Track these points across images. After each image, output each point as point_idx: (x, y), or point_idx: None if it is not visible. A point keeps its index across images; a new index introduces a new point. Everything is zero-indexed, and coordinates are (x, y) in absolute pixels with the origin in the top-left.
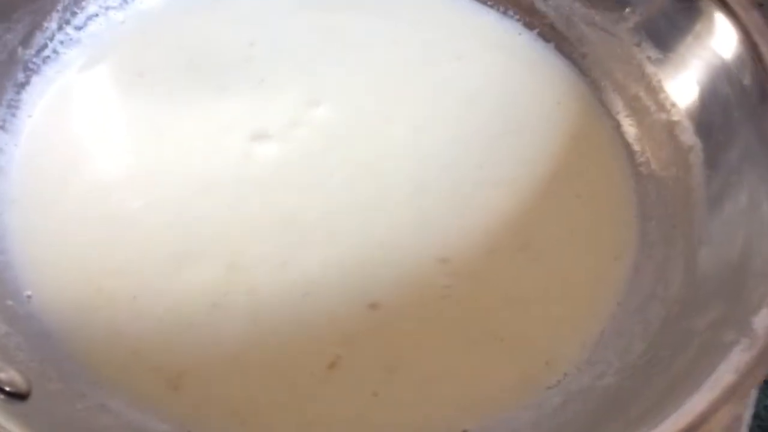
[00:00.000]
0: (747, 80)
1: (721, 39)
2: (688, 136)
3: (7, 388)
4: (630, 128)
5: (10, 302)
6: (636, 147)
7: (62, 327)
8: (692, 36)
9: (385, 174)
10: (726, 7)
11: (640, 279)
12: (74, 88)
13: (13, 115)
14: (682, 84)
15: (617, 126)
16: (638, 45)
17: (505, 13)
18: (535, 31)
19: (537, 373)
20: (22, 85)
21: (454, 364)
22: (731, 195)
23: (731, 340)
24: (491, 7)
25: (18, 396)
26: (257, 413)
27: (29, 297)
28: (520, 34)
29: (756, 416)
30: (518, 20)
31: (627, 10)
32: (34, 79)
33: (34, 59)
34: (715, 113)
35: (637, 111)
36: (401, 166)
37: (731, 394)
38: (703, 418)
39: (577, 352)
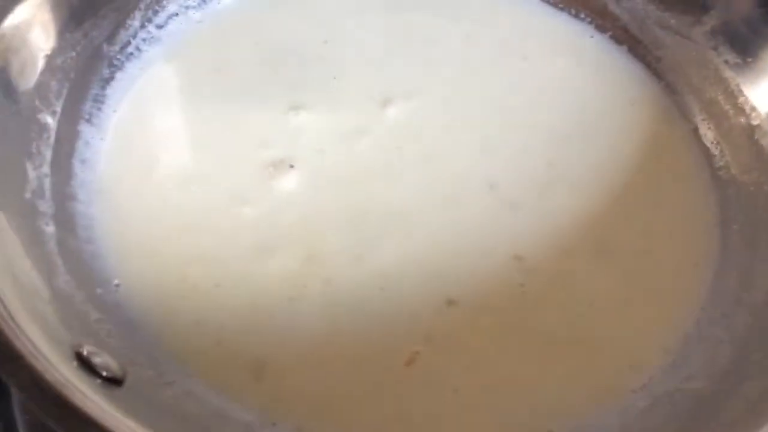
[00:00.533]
0: None
1: None
2: None
3: (104, 373)
4: (708, 132)
5: (99, 290)
6: (714, 151)
7: (149, 315)
8: None
9: (457, 171)
10: None
11: (723, 285)
12: (155, 84)
13: (99, 109)
14: (763, 88)
15: (695, 129)
16: (715, 49)
17: (576, 15)
18: (608, 33)
19: (620, 377)
20: (107, 81)
21: (533, 363)
22: None
23: None
24: (562, 9)
25: (114, 381)
26: (336, 407)
27: (117, 286)
28: (591, 36)
29: None
30: (590, 23)
31: (704, 15)
32: (118, 75)
33: (118, 56)
34: None
35: (715, 115)
36: (472, 163)
37: None
38: None
39: (660, 357)
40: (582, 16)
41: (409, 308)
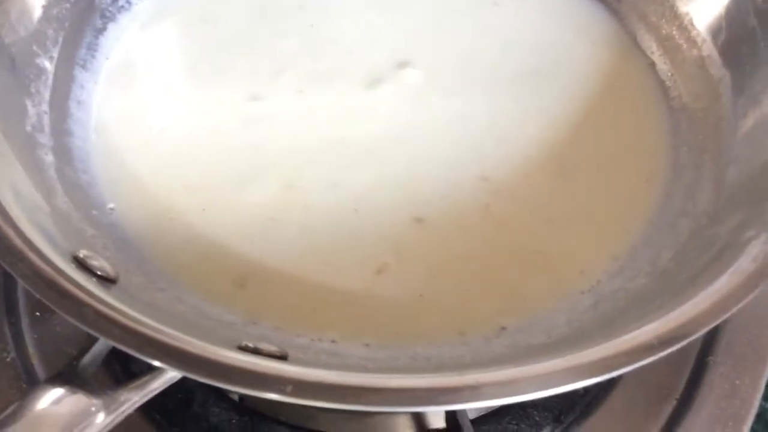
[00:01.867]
0: None
1: None
2: (718, 68)
3: (99, 273)
4: (664, 66)
5: (95, 212)
6: (669, 83)
7: (142, 234)
8: None
9: (429, 102)
10: None
11: (671, 199)
12: (146, 34)
13: (93, 56)
14: (713, 20)
15: (651, 64)
16: None
17: None
18: None
19: (571, 281)
20: (100, 31)
21: (493, 272)
22: (757, 116)
23: (750, 236)
24: None
25: (108, 280)
26: (311, 309)
27: (112, 209)
28: None
29: None
30: None
31: None
32: (110, 26)
33: (110, 8)
34: (742, 44)
35: (670, 49)
36: (444, 95)
37: (749, 280)
38: (725, 305)
39: (609, 263)
40: None
41: (381, 226)
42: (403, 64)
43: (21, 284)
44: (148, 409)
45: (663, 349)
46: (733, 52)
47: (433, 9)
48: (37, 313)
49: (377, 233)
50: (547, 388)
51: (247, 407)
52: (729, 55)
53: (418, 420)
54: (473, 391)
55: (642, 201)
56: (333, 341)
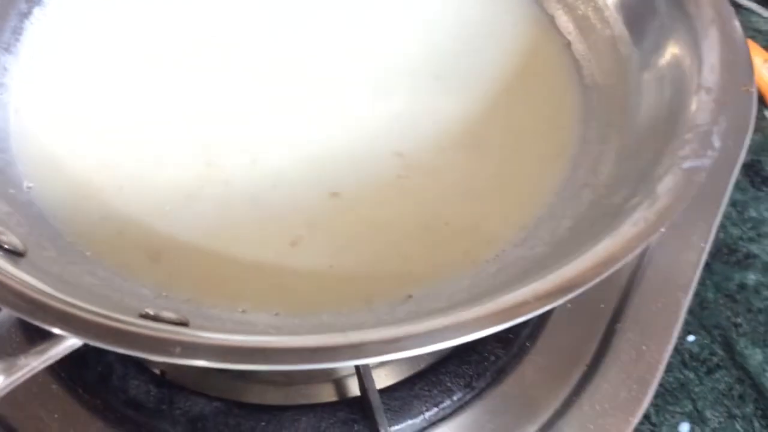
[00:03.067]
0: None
1: None
2: (627, 47)
3: (6, 246)
4: (579, 46)
5: (12, 191)
6: (583, 62)
7: (57, 212)
8: None
9: (347, 79)
10: None
11: (577, 172)
12: (68, 17)
13: (17, 40)
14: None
15: (568, 44)
16: None
17: None
18: None
19: (478, 251)
20: (25, 15)
21: (403, 243)
22: (658, 91)
23: (635, 203)
24: None
25: (16, 253)
26: (225, 281)
27: (29, 188)
28: None
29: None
30: None
31: None
32: (35, 10)
33: None
34: (648, 23)
35: (585, 29)
36: (363, 72)
37: (632, 244)
38: (605, 265)
39: (515, 233)
40: None
41: (297, 200)
42: (322, 48)
43: None
44: (70, 382)
45: (540, 306)
46: (641, 31)
47: None
48: None
49: (293, 207)
50: (423, 345)
51: (168, 381)
52: (637, 33)
53: (338, 388)
54: (356, 349)
55: (551, 174)
56: (243, 311)
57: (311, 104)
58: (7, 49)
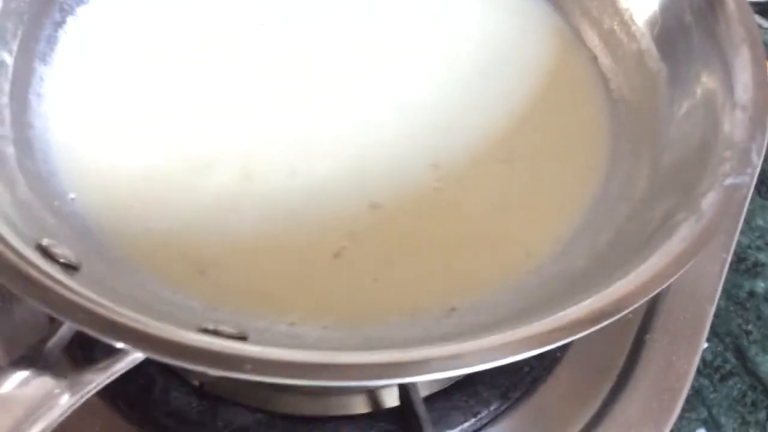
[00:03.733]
0: (710, 17)
1: None
2: (655, 62)
3: (62, 260)
4: (605, 60)
5: (57, 203)
6: (610, 75)
7: (102, 223)
8: None
9: (383, 93)
10: None
11: (610, 185)
12: (104, 27)
13: (52, 49)
14: (651, 15)
15: (594, 58)
16: None
17: None
18: None
19: (518, 263)
20: (59, 24)
21: (444, 256)
22: (691, 110)
23: (680, 219)
24: None
25: (71, 267)
26: (272, 293)
27: (73, 199)
28: None
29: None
30: None
31: None
32: (69, 19)
33: (69, 1)
34: (679, 41)
35: (611, 43)
36: (397, 86)
37: (679, 259)
38: (657, 282)
39: (553, 245)
40: None
41: (338, 212)
42: (359, 60)
43: None
44: (111, 396)
45: (595, 324)
46: (670, 47)
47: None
48: None
49: (335, 219)
50: (484, 363)
51: (207, 392)
52: (666, 49)
53: (374, 399)
54: (420, 365)
55: (584, 186)
56: (291, 324)
57: (349, 116)
58: (43, 59)
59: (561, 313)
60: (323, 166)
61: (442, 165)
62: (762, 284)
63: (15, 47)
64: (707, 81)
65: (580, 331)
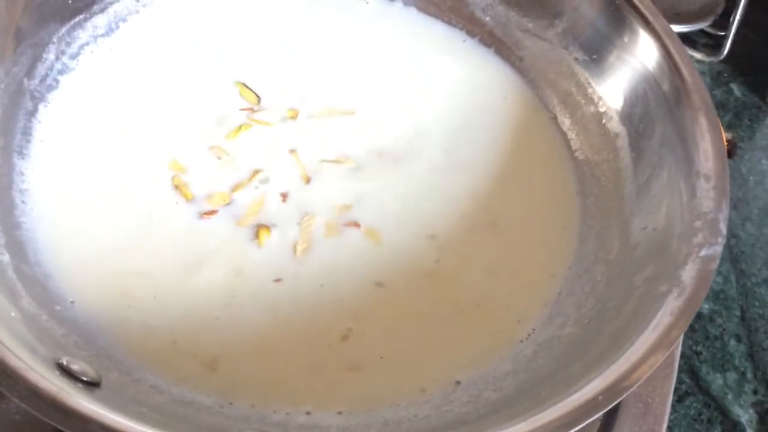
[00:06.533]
0: (665, 85)
1: (640, 49)
2: (614, 124)
3: (84, 378)
4: (565, 119)
5: (58, 307)
6: (571, 135)
7: (104, 325)
8: (615, 44)
9: (372, 166)
10: (645, 21)
11: (585, 246)
12: (74, 113)
13: (28, 141)
14: (607, 81)
15: (554, 118)
16: (566, 48)
17: (449, 22)
18: (477, 38)
19: (511, 331)
20: (32, 113)
21: (443, 329)
22: (654, 174)
23: (664, 291)
24: (437, 17)
25: (93, 384)
26: (285, 382)
27: (72, 302)
28: (464, 40)
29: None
30: (461, 29)
31: (556, 19)
32: (41, 107)
33: (39, 88)
34: (636, 106)
35: (569, 104)
36: (381, 157)
37: (669, 333)
38: (650, 354)
39: (540, 310)
40: (454, 23)
41: (345, 294)
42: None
43: None
44: None
45: (608, 404)
46: (628, 111)
47: (349, 67)
48: None
49: (341, 301)
50: None
51: None
52: (623, 113)
53: None
54: None
55: (561, 248)
56: (308, 413)
57: (345, 193)
58: (20, 152)
59: (573, 396)
60: (327, 251)
61: (439, 235)
62: (706, 306)
63: None
64: (668, 146)
65: (595, 413)
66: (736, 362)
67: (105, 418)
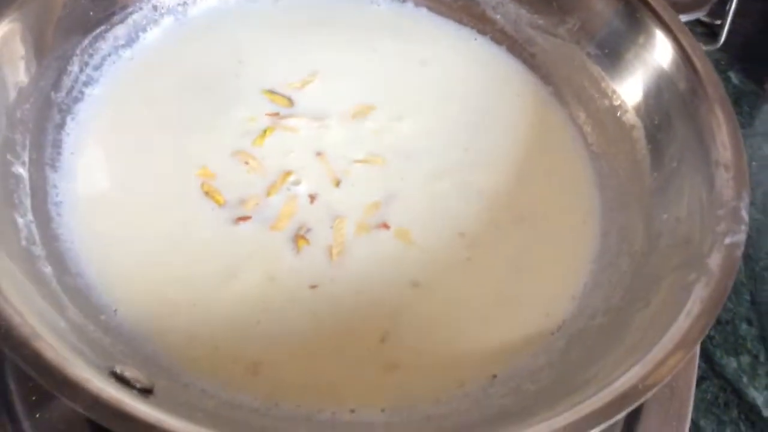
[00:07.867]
0: (679, 77)
1: (653, 42)
2: (630, 116)
3: (138, 385)
4: (580, 114)
5: (103, 317)
6: (586, 128)
7: (148, 333)
8: (627, 38)
9: (391, 165)
10: (655, 14)
11: (608, 239)
12: (102, 123)
13: (59, 153)
14: (620, 74)
15: (569, 112)
16: (578, 43)
17: (460, 22)
18: (488, 36)
19: (541, 324)
20: (60, 126)
21: (479, 324)
22: (672, 164)
23: (692, 279)
24: (448, 17)
25: (146, 391)
26: (328, 384)
27: (116, 311)
28: (475, 39)
29: None
30: (472, 27)
31: (567, 15)
32: (68, 119)
33: (66, 100)
34: (650, 98)
35: (583, 99)
36: (400, 158)
37: (701, 320)
38: (685, 340)
39: (569, 303)
40: (465, 22)
41: (381, 296)
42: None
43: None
44: None
45: (649, 390)
46: (643, 103)
47: (365, 69)
48: (37, 415)
49: (377, 303)
50: None
51: None
52: (638, 106)
53: None
54: None
55: (584, 241)
56: (352, 411)
57: (377, 193)
58: (53, 165)
59: (614, 385)
60: (364, 252)
61: (468, 233)
62: None
63: (26, 158)
64: (684, 137)
65: (633, 403)
66: (749, 345)
67: (167, 424)
